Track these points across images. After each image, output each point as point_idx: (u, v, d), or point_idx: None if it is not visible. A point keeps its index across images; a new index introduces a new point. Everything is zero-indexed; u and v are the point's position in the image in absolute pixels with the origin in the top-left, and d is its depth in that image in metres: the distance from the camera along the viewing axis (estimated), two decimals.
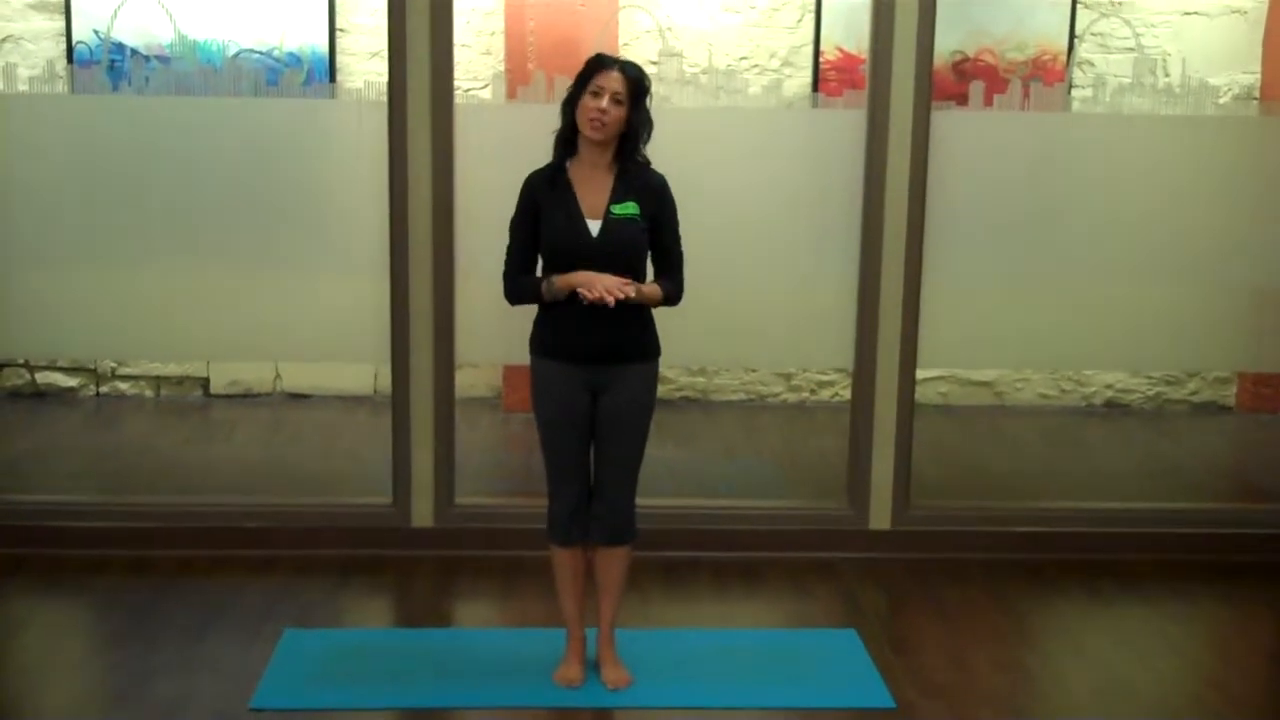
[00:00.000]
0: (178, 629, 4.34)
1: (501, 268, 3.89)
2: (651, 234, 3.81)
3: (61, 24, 7.08)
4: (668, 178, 3.86)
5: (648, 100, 3.77)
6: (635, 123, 3.74)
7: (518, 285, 3.86)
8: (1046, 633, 4.67)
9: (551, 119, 3.83)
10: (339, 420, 7.17)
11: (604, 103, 3.68)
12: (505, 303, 3.92)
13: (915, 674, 4.13)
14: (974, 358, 5.84)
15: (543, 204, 3.80)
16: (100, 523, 5.01)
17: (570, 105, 3.77)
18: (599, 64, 3.73)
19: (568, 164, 3.83)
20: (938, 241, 5.00)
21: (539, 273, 3.86)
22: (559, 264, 3.77)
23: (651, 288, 3.80)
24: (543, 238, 3.80)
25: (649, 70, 3.87)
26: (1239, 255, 5.19)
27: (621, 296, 3.66)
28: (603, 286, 3.66)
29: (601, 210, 3.77)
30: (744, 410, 7.57)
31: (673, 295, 3.86)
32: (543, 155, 3.87)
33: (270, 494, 5.43)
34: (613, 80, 3.69)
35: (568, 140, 3.81)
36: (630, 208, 3.77)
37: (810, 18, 7.30)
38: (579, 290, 3.68)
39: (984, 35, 7.28)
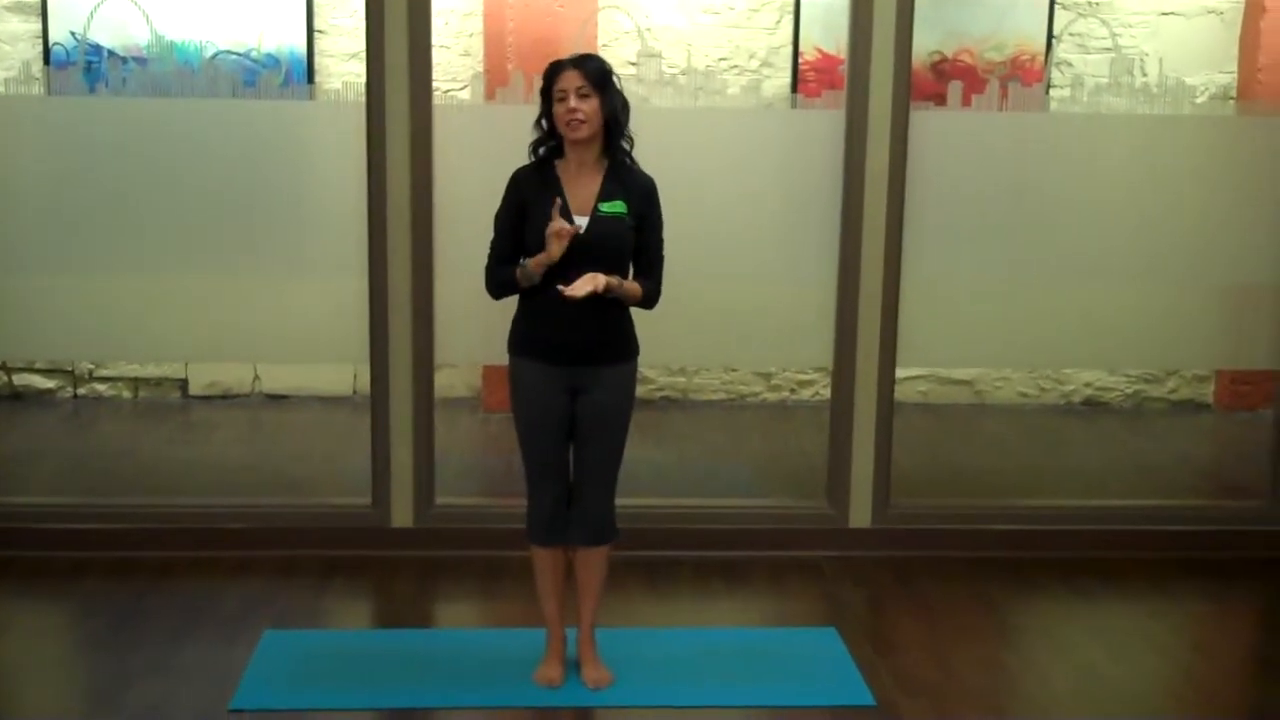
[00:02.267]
0: (158, 630, 4.32)
1: (483, 264, 3.88)
2: (636, 234, 3.82)
3: (38, 25, 7.05)
4: None
5: (616, 81, 3.77)
6: (611, 108, 3.74)
7: (498, 276, 3.85)
8: (1027, 630, 4.69)
9: (530, 119, 3.83)
10: (318, 421, 7.16)
11: (571, 102, 3.69)
12: (485, 302, 3.93)
13: (896, 672, 4.13)
14: (953, 357, 5.84)
15: (530, 200, 3.79)
16: (79, 525, 4.99)
17: (545, 118, 3.79)
18: (555, 71, 3.75)
19: (556, 163, 3.83)
20: (917, 241, 5.01)
21: None
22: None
23: (632, 285, 3.80)
24: (529, 233, 3.78)
25: (628, 72, 3.87)
26: (1217, 254, 5.21)
27: (596, 285, 3.65)
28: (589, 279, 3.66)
29: (589, 207, 3.76)
30: (724, 410, 7.58)
31: (651, 296, 3.86)
32: (521, 156, 3.86)
33: (250, 495, 5.42)
34: (571, 79, 3.69)
35: (549, 141, 3.81)
36: (618, 206, 3.77)
37: (789, 18, 7.32)
38: (561, 289, 3.66)
39: (962, 35, 7.31)
